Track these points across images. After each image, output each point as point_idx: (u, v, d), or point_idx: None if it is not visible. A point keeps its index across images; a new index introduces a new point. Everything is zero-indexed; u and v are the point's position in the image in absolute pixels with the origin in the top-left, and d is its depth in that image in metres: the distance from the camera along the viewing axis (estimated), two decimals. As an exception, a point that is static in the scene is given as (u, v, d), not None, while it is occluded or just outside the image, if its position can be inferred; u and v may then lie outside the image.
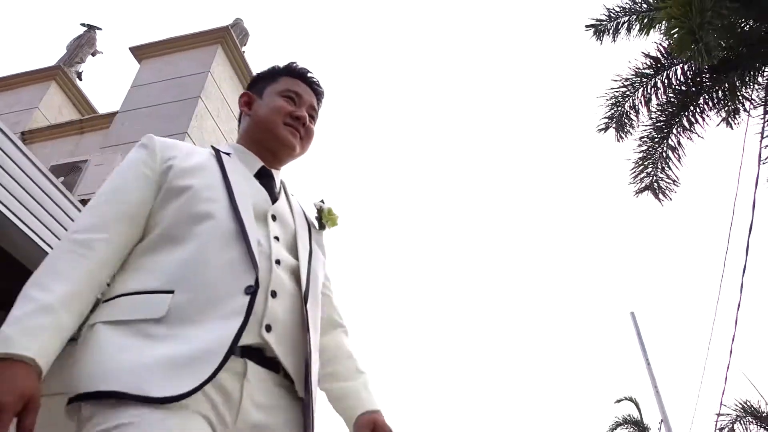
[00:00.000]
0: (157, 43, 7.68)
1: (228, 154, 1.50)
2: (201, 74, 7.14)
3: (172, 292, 1.18)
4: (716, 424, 10.92)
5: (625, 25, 6.34)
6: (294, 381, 1.26)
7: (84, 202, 5.22)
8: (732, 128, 6.56)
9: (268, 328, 1.22)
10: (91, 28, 9.84)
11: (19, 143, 4.40)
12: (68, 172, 5.69)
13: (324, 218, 1.60)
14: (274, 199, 1.47)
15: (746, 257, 7.04)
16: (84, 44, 9.43)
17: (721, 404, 11.99)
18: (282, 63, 1.70)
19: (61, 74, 8.14)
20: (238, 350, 1.16)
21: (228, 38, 7.57)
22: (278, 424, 1.21)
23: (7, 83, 8.21)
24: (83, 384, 1.12)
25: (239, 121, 1.72)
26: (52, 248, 3.94)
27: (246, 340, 1.18)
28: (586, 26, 6.40)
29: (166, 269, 1.22)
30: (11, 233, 4.19)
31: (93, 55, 9.59)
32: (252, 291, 1.21)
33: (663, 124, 6.13)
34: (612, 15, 6.39)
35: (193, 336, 1.13)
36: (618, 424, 16.70)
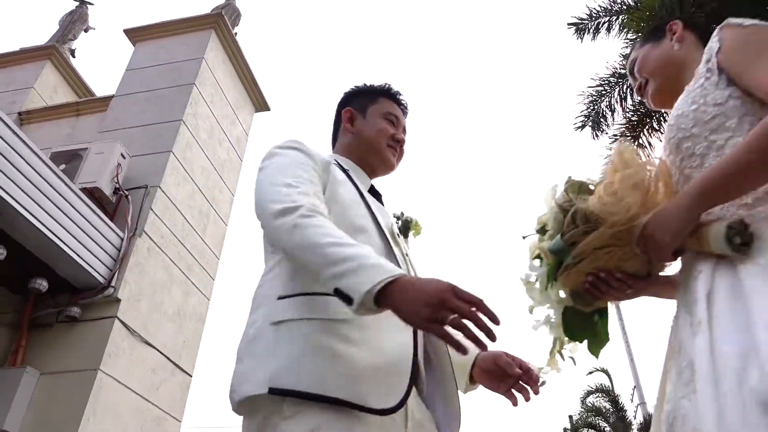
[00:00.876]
0: (152, 26, 7.79)
1: (347, 170, 1.59)
2: (195, 60, 7.28)
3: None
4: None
5: (605, 24, 6.57)
6: (422, 388, 1.37)
7: (84, 190, 5.45)
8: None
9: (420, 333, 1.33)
10: (83, 3, 9.84)
11: (24, 136, 4.59)
12: (69, 160, 5.87)
13: (412, 228, 1.83)
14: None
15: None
16: (76, 20, 9.45)
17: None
18: (377, 82, 1.87)
19: (56, 54, 8.23)
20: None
21: (221, 24, 7.69)
22: (425, 418, 1.32)
23: (2, 61, 8.29)
24: (295, 381, 1.15)
25: (335, 130, 1.86)
26: (53, 233, 4.19)
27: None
28: (568, 24, 6.63)
29: None
30: (19, 221, 4.42)
31: (86, 31, 9.62)
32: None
33: (636, 124, 6.42)
34: (593, 14, 6.60)
35: (381, 343, 1.22)
36: (590, 393, 17.42)
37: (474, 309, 1.03)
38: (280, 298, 1.30)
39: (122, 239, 5.51)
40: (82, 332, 5.15)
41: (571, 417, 21.09)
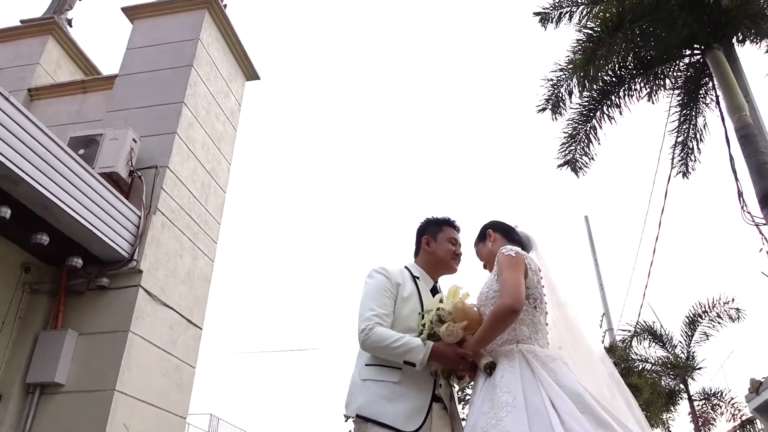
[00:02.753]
0: (149, 5, 8.28)
1: (417, 277, 2.74)
2: (192, 41, 7.86)
3: (400, 368, 2.47)
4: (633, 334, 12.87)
5: (567, 14, 7.24)
6: (446, 403, 2.59)
7: (103, 174, 6.24)
8: (653, 104, 7.74)
9: (439, 387, 2.52)
10: (75, -30, 10.17)
11: (59, 140, 5.34)
12: (87, 145, 6.59)
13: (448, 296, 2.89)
14: None
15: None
16: (71, -11, 9.83)
17: (639, 315, 13.98)
18: (442, 215, 3.00)
19: (57, 28, 8.72)
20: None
21: (214, 4, 8.22)
22: (442, 427, 2.48)
23: (5, 36, 8.77)
24: (372, 412, 2.40)
25: (417, 247, 2.95)
26: (85, 219, 5.02)
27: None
28: (534, 13, 7.29)
29: None
30: (58, 212, 5.26)
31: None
32: (433, 372, 2.53)
33: (590, 109, 7.22)
34: (556, 4, 7.25)
35: (412, 398, 2.43)
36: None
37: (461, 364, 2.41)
38: (366, 365, 2.55)
39: (140, 217, 6.36)
40: (112, 299, 6.09)
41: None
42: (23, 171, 4.87)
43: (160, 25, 8.17)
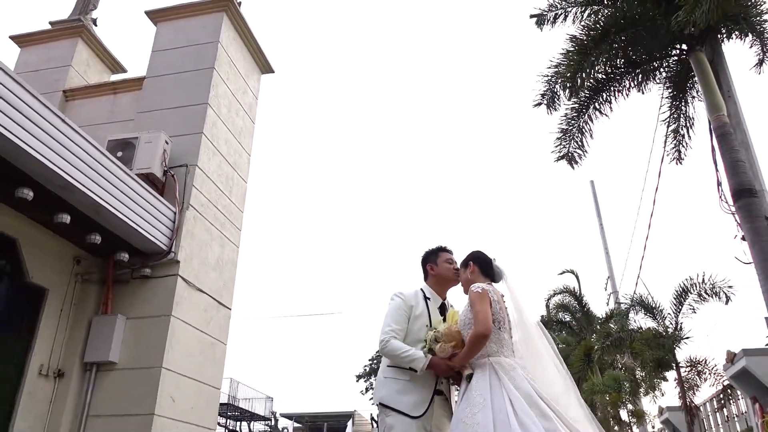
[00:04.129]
0: (171, 9, 8.84)
1: (428, 298, 3.52)
2: (212, 44, 8.46)
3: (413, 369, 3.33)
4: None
5: (562, 15, 7.71)
6: (446, 395, 3.38)
7: (140, 175, 6.92)
8: (643, 93, 8.28)
9: (441, 383, 3.30)
10: (96, -30, 10.69)
11: (107, 153, 6.03)
12: (124, 148, 7.26)
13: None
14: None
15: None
16: (94, -11, 10.38)
17: (636, 287, 14.64)
18: (436, 245, 3.84)
19: (85, 30, 9.32)
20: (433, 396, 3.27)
21: (231, 6, 8.77)
22: (443, 414, 3.28)
23: (37, 38, 9.38)
24: (389, 401, 3.30)
25: (425, 273, 3.75)
26: (130, 219, 5.77)
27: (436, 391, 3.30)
28: (530, 15, 7.77)
29: None
30: (108, 215, 5.99)
31: (102, -2, 10.57)
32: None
33: (586, 102, 7.75)
34: (551, 7, 7.71)
35: (418, 392, 3.20)
36: (556, 293, 19.77)
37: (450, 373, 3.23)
38: (387, 366, 3.30)
39: (175, 213, 7.08)
40: (154, 287, 6.87)
41: (547, 305, 23.29)
42: (79, 182, 5.58)
43: (182, 27, 8.74)
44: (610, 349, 13.61)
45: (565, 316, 19.81)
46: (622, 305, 14.11)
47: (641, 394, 14.62)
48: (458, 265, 3.58)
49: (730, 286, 11.26)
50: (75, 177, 5.53)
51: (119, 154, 7.16)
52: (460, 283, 3.54)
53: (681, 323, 11.65)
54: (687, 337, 11.44)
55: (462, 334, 3.22)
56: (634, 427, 16.30)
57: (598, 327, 17.44)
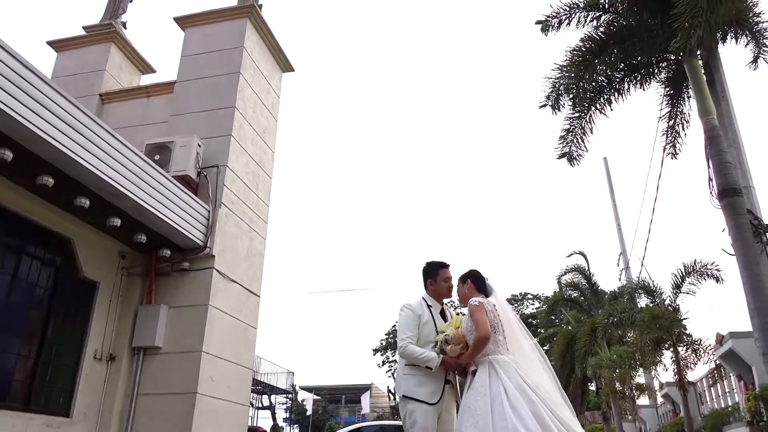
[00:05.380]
0: (197, 15, 9.41)
1: (430, 306, 4.24)
2: (237, 49, 9.04)
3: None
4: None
5: (566, 21, 8.16)
6: (453, 383, 4.15)
7: (177, 177, 7.58)
8: (644, 90, 8.77)
9: (449, 375, 4.07)
10: (124, -27, 11.24)
11: (144, 156, 6.70)
12: (161, 151, 7.92)
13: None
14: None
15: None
16: (123, -7, 10.95)
17: (641, 269, 15.23)
18: (438, 260, 4.53)
19: (118, 36, 9.94)
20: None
21: (254, 12, 9.33)
22: (451, 399, 4.06)
23: (72, 43, 10.01)
24: (410, 393, 4.07)
25: (425, 285, 4.42)
26: (169, 219, 6.47)
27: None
28: (536, 22, 8.24)
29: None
30: (152, 216, 6.69)
31: (131, 1, 11.16)
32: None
33: (587, 104, 8.24)
34: (555, 14, 8.16)
35: (432, 384, 3.96)
36: (566, 271, 20.41)
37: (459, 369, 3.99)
38: (405, 365, 4.02)
39: (209, 211, 7.77)
40: (192, 279, 7.59)
41: (561, 277, 23.73)
42: (128, 190, 6.27)
43: (208, 33, 9.32)
44: (613, 328, 14.31)
45: (575, 294, 20.46)
46: (626, 287, 14.78)
47: (642, 370, 15.36)
48: (455, 281, 4.31)
49: (718, 269, 11.94)
50: (125, 186, 6.21)
51: (157, 157, 7.83)
52: (450, 296, 4.30)
53: (678, 306, 12.33)
54: (684, 319, 12.11)
55: (466, 338, 3.90)
56: (638, 400, 17.08)
57: (605, 307, 18.10)
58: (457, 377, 4.18)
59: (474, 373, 3.85)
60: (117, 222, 6.50)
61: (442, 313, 4.35)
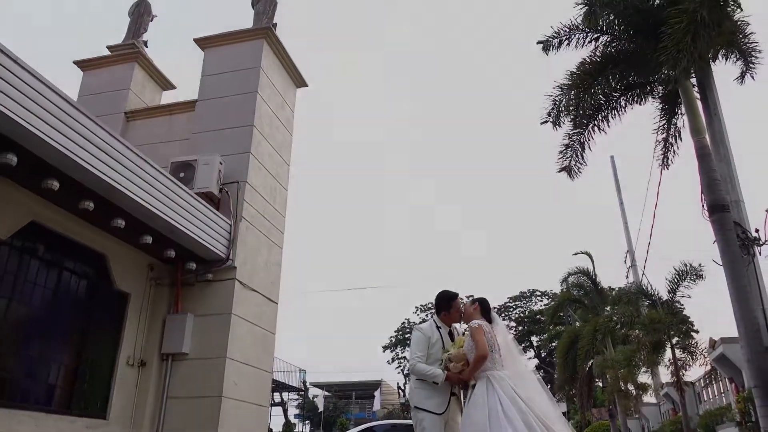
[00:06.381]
0: (217, 36, 9.92)
1: (440, 327, 4.83)
2: (254, 69, 9.54)
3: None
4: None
5: (566, 41, 8.61)
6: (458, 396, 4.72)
7: (200, 194, 8.10)
8: (641, 104, 9.23)
9: (454, 389, 4.63)
10: (144, -6, 11.76)
11: (174, 179, 7.22)
12: (185, 169, 8.44)
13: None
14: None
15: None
16: (144, 12, 11.47)
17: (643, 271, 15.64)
18: (450, 293, 5.11)
19: (141, 56, 10.47)
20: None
21: (270, 34, 9.83)
22: (456, 409, 4.62)
23: (98, 63, 10.55)
24: (420, 404, 4.69)
25: (438, 311, 5.05)
26: (195, 234, 6.95)
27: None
28: (538, 42, 8.69)
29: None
30: (181, 233, 7.22)
31: (151, 20, 11.68)
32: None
33: (586, 121, 8.70)
34: (556, 34, 8.61)
35: (439, 396, 4.51)
36: (571, 274, 20.84)
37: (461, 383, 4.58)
38: (416, 380, 4.62)
39: (230, 225, 8.30)
40: (216, 289, 8.13)
41: (566, 278, 24.19)
42: (160, 211, 6.81)
43: (227, 54, 9.82)
44: (616, 330, 14.76)
45: (580, 294, 20.90)
46: (626, 292, 15.29)
47: (644, 369, 15.87)
48: (465, 305, 4.84)
49: (702, 270, 12.57)
50: (158, 207, 6.75)
51: (181, 174, 8.35)
52: (459, 321, 4.86)
53: (679, 307, 12.79)
54: (681, 323, 12.56)
55: (467, 356, 4.42)
56: (643, 398, 17.55)
57: (608, 309, 18.57)
58: (461, 390, 4.71)
59: (474, 386, 4.39)
60: (149, 239, 7.05)
61: (450, 334, 4.89)
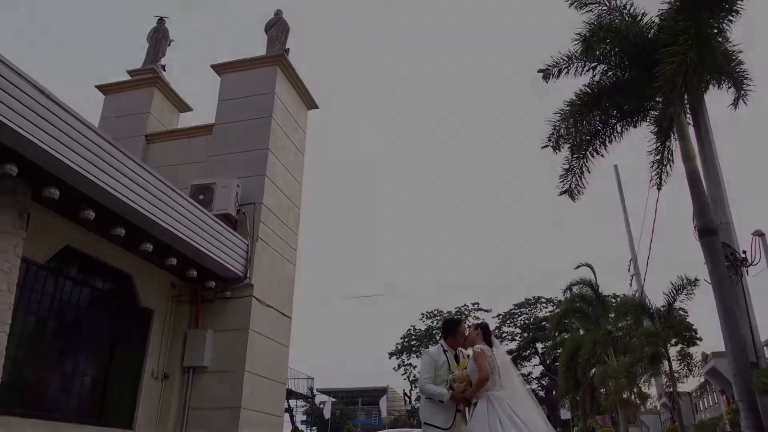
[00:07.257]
0: (233, 62, 10.44)
1: (446, 351, 5.28)
2: (269, 95, 10.04)
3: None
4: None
5: (565, 70, 9.08)
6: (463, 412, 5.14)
7: (219, 215, 8.59)
8: (636, 127, 9.71)
9: (459, 406, 5.06)
10: (161, 19, 12.30)
11: (196, 203, 7.72)
12: (204, 192, 8.94)
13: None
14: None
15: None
16: (162, 38, 11.98)
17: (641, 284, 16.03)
18: (455, 320, 6.27)
19: (160, 80, 11.00)
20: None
21: (284, 60, 10.34)
22: (461, 425, 5.05)
23: (118, 88, 11.08)
24: (428, 420, 5.17)
25: (444, 336, 5.49)
26: (215, 255, 7.39)
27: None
28: (538, 70, 9.16)
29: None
30: (202, 254, 7.72)
31: (169, 45, 12.20)
32: None
33: (584, 144, 9.16)
34: (555, 64, 9.09)
35: (446, 413, 4.96)
36: (573, 284, 21.25)
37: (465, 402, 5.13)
38: (425, 398, 5.12)
39: (247, 245, 8.79)
40: (234, 306, 8.62)
41: (570, 288, 24.51)
42: (185, 235, 7.30)
43: (242, 79, 10.33)
44: (616, 341, 15.18)
45: (582, 305, 21.30)
46: (623, 307, 15.74)
47: (643, 381, 16.29)
48: (469, 330, 5.30)
49: (697, 281, 12.90)
50: (183, 232, 7.25)
51: (201, 197, 8.85)
52: (464, 346, 5.31)
53: (681, 319, 13.18)
54: (676, 337, 12.97)
55: (470, 377, 4.89)
56: (643, 407, 17.95)
57: (612, 317, 18.97)
58: (465, 408, 5.19)
59: (476, 405, 4.87)
60: (174, 261, 7.54)
61: (456, 357, 5.35)
